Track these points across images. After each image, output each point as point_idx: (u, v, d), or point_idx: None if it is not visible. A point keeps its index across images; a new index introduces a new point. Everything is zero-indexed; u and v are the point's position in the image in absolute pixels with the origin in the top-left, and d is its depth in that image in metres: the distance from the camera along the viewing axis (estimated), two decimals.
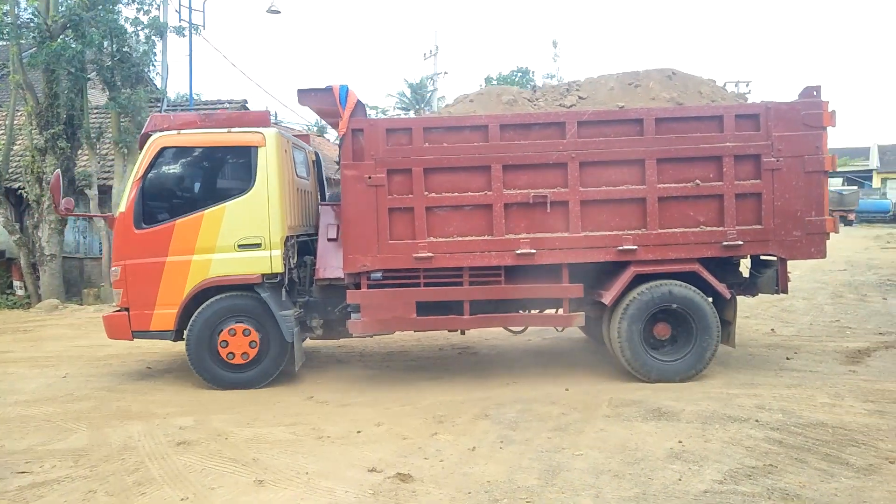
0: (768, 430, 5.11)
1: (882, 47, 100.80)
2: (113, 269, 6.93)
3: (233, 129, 6.78)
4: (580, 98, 7.04)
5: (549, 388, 6.54)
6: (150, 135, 6.92)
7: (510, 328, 7.46)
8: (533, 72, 50.02)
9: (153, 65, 15.05)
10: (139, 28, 13.98)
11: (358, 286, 6.60)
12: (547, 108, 7.00)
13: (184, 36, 15.27)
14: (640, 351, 6.50)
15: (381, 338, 9.50)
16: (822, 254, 6.56)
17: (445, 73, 43.61)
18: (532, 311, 7.18)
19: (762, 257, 6.95)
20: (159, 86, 16.49)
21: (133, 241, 6.75)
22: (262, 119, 6.94)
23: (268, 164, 6.68)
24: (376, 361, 8.12)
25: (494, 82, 50.30)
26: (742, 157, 6.41)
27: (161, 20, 14.67)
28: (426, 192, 6.42)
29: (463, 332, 7.80)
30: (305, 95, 6.61)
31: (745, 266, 7.18)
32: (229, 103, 17.61)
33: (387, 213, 6.40)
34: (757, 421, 5.30)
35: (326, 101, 6.52)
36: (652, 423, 5.39)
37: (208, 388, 6.87)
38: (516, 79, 50.47)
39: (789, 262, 6.76)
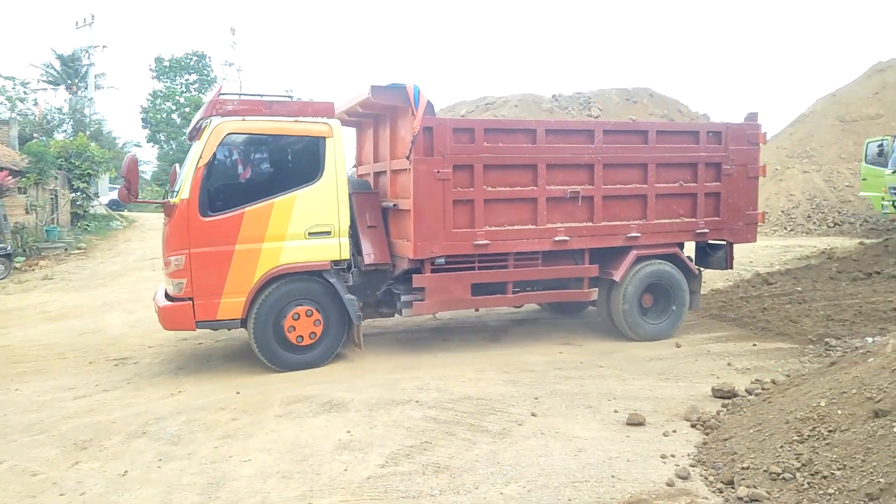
0: (426, 408, 5.52)
1: None
2: (174, 257, 6.55)
3: (300, 119, 6.90)
4: (599, 109, 8.12)
5: (218, 393, 6.16)
6: (205, 120, 6.71)
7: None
8: (210, 57, 47.38)
9: None
10: None
11: (415, 271, 7.17)
12: (578, 116, 7.95)
13: None
14: (638, 317, 7.91)
15: (10, 353, 7.96)
16: (755, 239, 8.50)
17: (104, 46, 38.28)
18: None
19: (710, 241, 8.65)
20: None
21: (199, 228, 6.54)
22: (328, 110, 7.10)
23: (336, 155, 6.97)
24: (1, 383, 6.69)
25: (166, 64, 46.41)
26: (710, 164, 8.04)
27: None
28: (485, 186, 7.13)
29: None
30: (379, 91, 6.96)
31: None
32: None
33: (451, 204, 6.99)
34: (417, 402, 5.69)
35: (399, 98, 6.93)
36: (323, 416, 5.41)
37: None
38: (191, 62, 47.24)
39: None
